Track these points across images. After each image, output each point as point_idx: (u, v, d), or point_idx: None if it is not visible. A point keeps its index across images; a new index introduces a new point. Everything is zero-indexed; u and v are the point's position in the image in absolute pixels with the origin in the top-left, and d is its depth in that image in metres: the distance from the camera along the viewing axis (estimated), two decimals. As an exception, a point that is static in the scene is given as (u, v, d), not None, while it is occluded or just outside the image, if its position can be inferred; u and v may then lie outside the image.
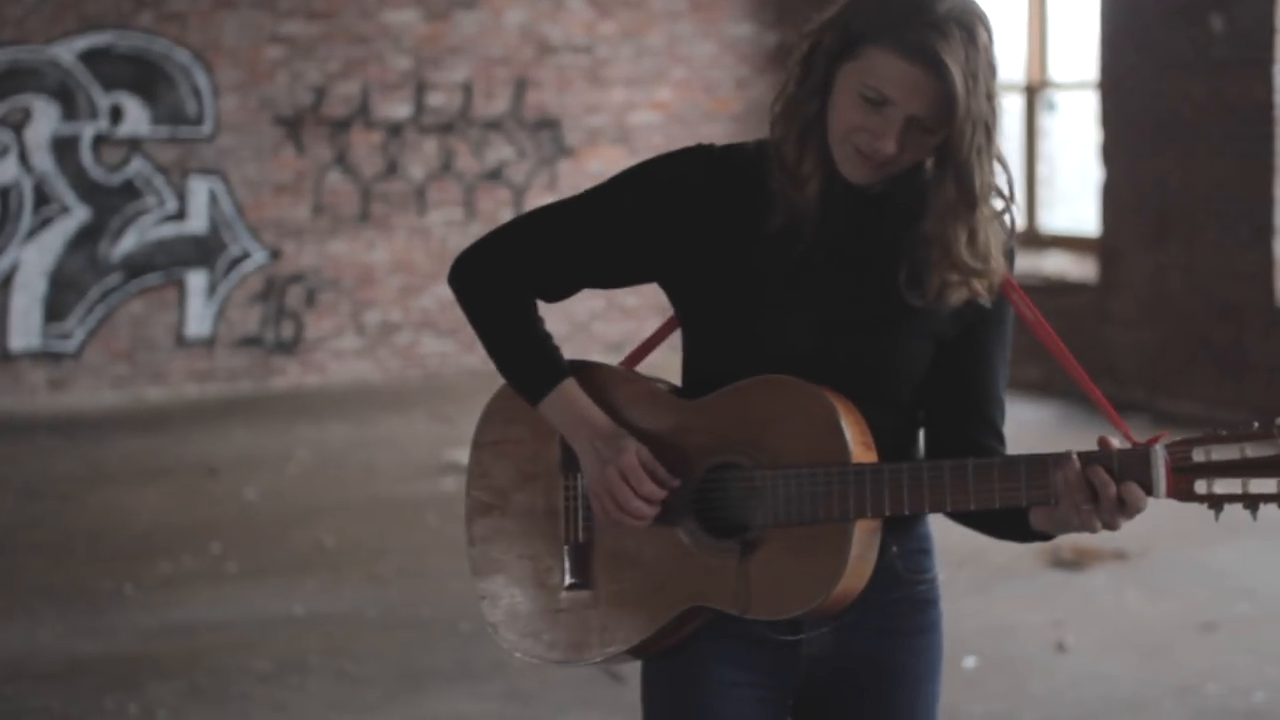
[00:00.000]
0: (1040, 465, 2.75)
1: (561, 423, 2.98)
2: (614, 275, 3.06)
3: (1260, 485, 2.64)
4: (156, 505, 9.57)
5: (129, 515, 9.34)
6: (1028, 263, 12.53)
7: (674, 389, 3.02)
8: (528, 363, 3.01)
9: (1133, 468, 2.70)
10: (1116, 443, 2.75)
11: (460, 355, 13.49)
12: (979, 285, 2.86)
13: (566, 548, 3.01)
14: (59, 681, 6.66)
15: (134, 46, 12.88)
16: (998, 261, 2.86)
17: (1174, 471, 2.67)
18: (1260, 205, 10.52)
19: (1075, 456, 2.72)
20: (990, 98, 2.77)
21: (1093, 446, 2.76)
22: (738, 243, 2.91)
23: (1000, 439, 2.99)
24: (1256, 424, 2.65)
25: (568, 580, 3.01)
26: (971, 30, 2.76)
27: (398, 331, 13.66)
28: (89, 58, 12.77)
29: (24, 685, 6.63)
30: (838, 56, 2.80)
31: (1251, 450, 2.63)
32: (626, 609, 2.96)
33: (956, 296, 2.86)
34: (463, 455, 10.11)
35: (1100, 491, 2.70)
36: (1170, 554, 7.95)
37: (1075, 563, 7.84)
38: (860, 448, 2.83)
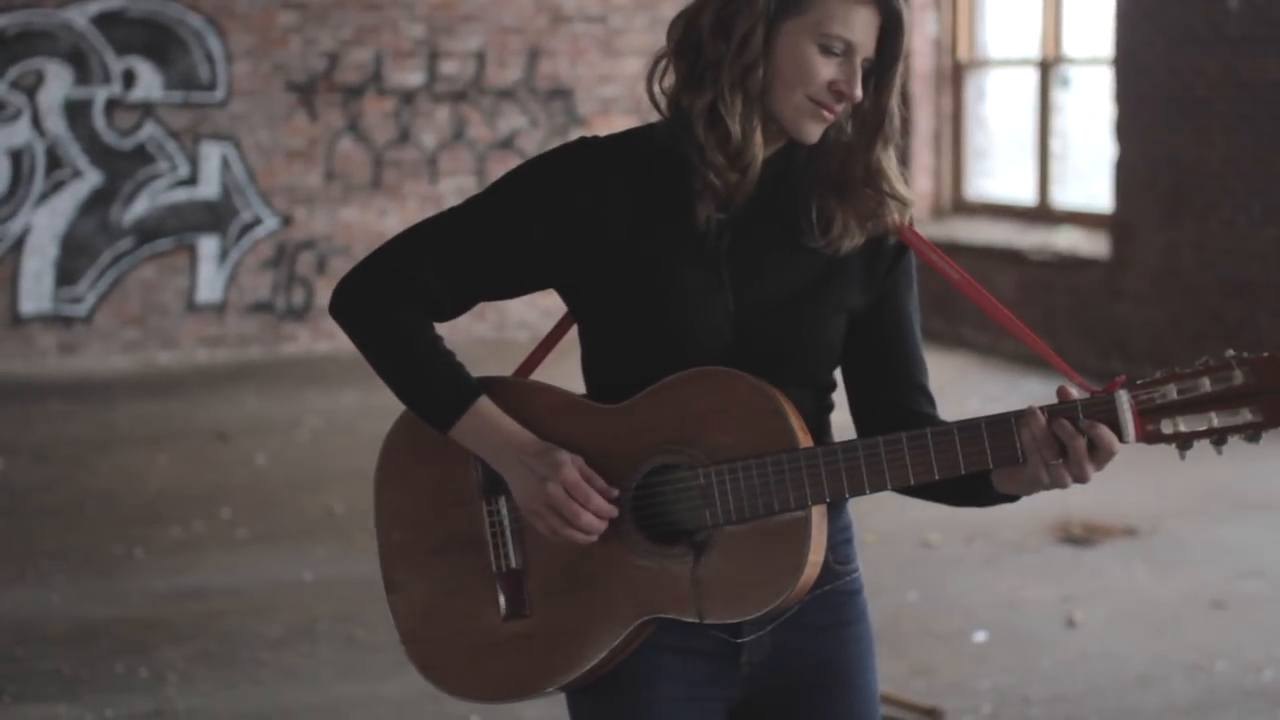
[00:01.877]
0: (1003, 425, 2.65)
1: (481, 445, 2.79)
2: (509, 285, 2.85)
3: (1225, 418, 2.59)
4: (167, 470, 9.59)
5: (139, 480, 9.36)
6: (1040, 238, 12.52)
7: (587, 396, 2.86)
8: (434, 387, 2.81)
9: (1099, 416, 2.62)
10: (1076, 393, 2.67)
11: (470, 323, 13.48)
12: (900, 217, 2.81)
13: (497, 577, 2.82)
14: (70, 644, 6.67)
15: (147, 10, 12.86)
16: (912, 189, 2.84)
17: (1140, 414, 2.61)
18: (1274, 183, 10.50)
19: (1039, 411, 2.64)
20: None
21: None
22: (644, 236, 2.77)
23: (931, 401, 2.90)
24: (1209, 359, 2.60)
25: (502, 611, 2.82)
26: None
27: (408, 299, 13.62)
28: (102, 21, 12.77)
29: (35, 648, 6.64)
30: (775, 17, 2.69)
31: (1211, 384, 2.59)
32: (572, 633, 2.78)
33: (857, 238, 2.78)
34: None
35: (1068, 444, 2.62)
36: (1180, 531, 7.95)
37: (1085, 539, 7.84)
38: (803, 433, 2.71)
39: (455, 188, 13.69)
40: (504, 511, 2.82)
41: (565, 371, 3.00)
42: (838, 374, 2.91)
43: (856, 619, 2.95)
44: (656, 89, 2.81)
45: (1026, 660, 6.40)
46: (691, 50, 2.76)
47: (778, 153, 2.79)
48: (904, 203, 2.80)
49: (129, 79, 12.88)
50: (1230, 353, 2.61)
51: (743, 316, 2.77)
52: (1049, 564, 7.56)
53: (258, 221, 13.31)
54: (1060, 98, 12.97)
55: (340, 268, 13.43)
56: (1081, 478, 2.64)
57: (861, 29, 2.69)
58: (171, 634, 6.79)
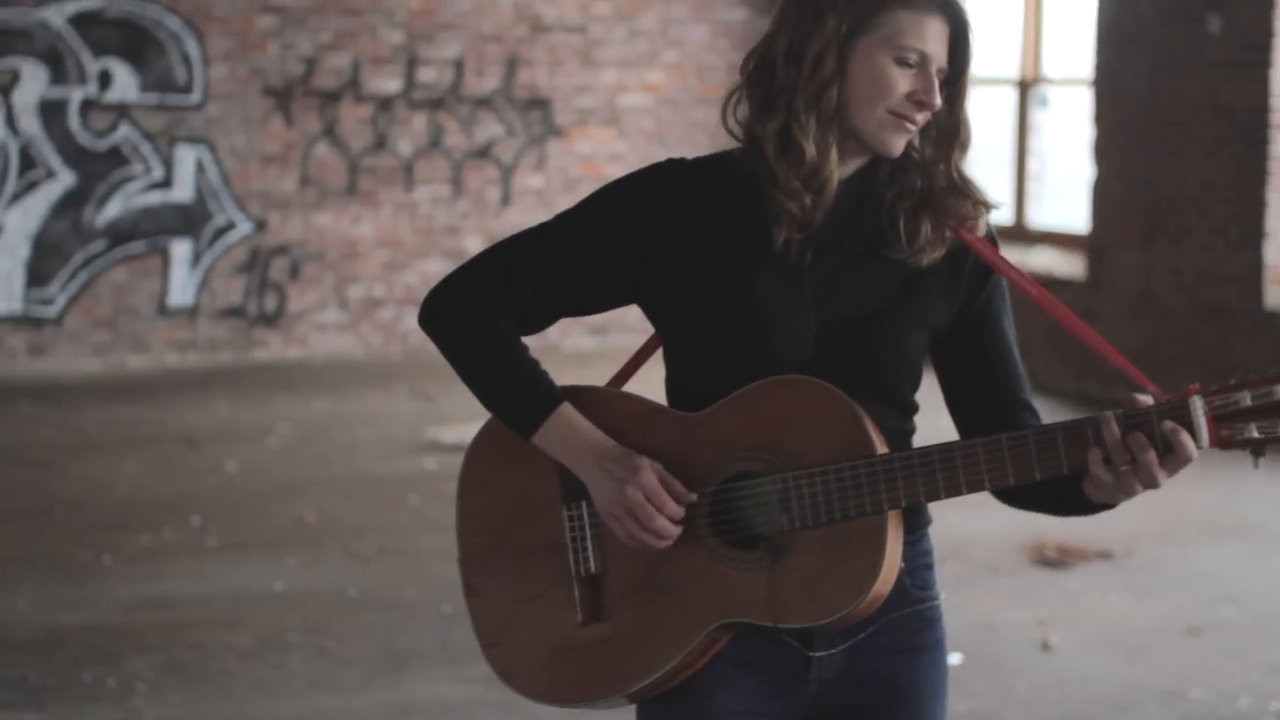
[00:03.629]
0: (1078, 430, 2.68)
1: (562, 450, 2.85)
2: (594, 298, 2.93)
3: None
4: (136, 475, 9.52)
5: (109, 485, 9.29)
6: (1016, 257, 12.50)
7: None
8: (518, 394, 2.87)
9: (1173, 421, 2.65)
10: (1149, 400, 2.69)
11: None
12: (983, 223, 2.87)
13: (576, 582, 2.87)
14: (38, 652, 6.60)
15: (125, 11, 12.80)
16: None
17: (1214, 419, 2.64)
18: (1251, 209, 10.50)
19: (1114, 416, 2.66)
20: None
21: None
22: (726, 251, 2.84)
23: (1036, 415, 2.93)
24: None
25: (580, 617, 2.87)
26: None
27: (381, 307, 13.60)
28: (79, 21, 12.70)
29: (2, 654, 6.57)
30: (847, 37, 2.77)
31: None
32: (650, 636, 2.82)
33: (939, 249, 2.84)
34: (445, 433, 10.09)
35: (1138, 454, 2.64)
36: (1154, 555, 7.94)
37: (1060, 561, 7.82)
38: (879, 440, 2.76)
39: (431, 195, 13.64)
40: (585, 516, 2.88)
41: (654, 389, 3.03)
42: (920, 398, 2.95)
43: (931, 647, 2.97)
44: (731, 121, 2.89)
45: (1002, 684, 6.37)
46: (765, 79, 2.84)
47: (858, 172, 2.86)
48: (988, 206, 2.87)
49: (105, 80, 12.81)
50: None
51: (824, 330, 2.82)
52: (1024, 586, 7.54)
53: (231, 226, 13.23)
54: (1039, 118, 12.96)
55: (313, 274, 13.38)
56: (1152, 484, 2.67)
57: (933, 39, 2.79)
58: (140, 643, 6.72)
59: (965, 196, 2.85)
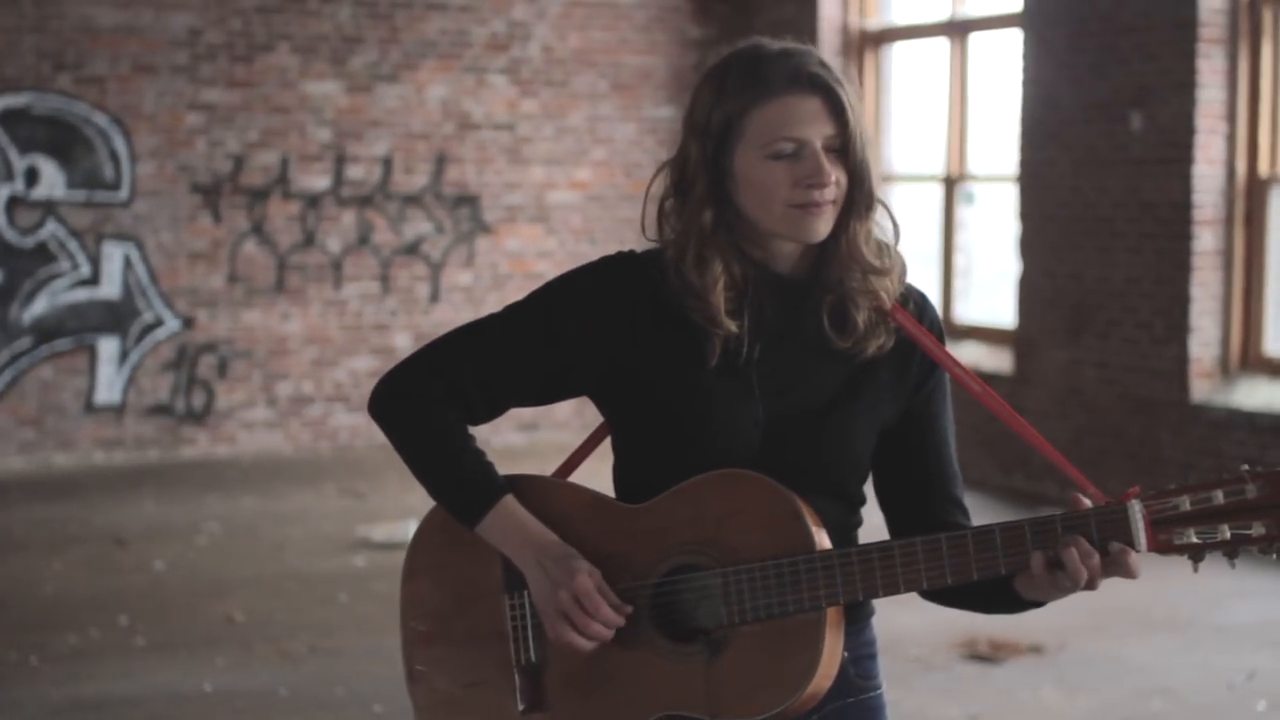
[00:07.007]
0: (1018, 532, 2.70)
1: (504, 542, 2.86)
2: (544, 392, 2.95)
3: (1237, 531, 2.64)
4: (63, 575, 9.42)
5: (35, 585, 9.18)
6: (943, 352, 12.55)
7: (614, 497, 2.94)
8: (462, 485, 2.89)
9: (1112, 525, 2.68)
10: (1089, 502, 2.72)
11: (371, 429, 13.37)
12: (885, 286, 2.85)
13: (517, 670, 2.89)
14: (-37, 755, 6.53)
15: (52, 108, 12.77)
16: (896, 258, 2.89)
17: (1152, 524, 2.67)
18: (1176, 303, 10.61)
19: (1056, 520, 2.69)
20: None
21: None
22: (674, 345, 2.85)
23: (965, 513, 2.96)
24: (1224, 472, 2.67)
25: (521, 705, 2.88)
26: (811, 50, 2.82)
27: (309, 404, 13.55)
28: (6, 119, 12.65)
29: (-74, 758, 6.49)
30: (720, 150, 2.79)
31: (1224, 497, 2.64)
32: None
33: (880, 337, 2.85)
34: (375, 531, 10.03)
35: (1075, 562, 2.66)
36: (1086, 649, 7.95)
37: (992, 656, 7.83)
38: (820, 537, 2.76)
39: (359, 292, 13.63)
40: (526, 606, 2.88)
41: (600, 478, 3.03)
42: (867, 489, 2.97)
43: None
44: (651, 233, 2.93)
45: (936, 780, 6.36)
46: (661, 207, 2.90)
47: (807, 268, 2.87)
48: (882, 274, 2.85)
49: (31, 176, 12.76)
50: (1245, 466, 2.67)
51: (771, 425, 2.83)
52: (956, 682, 7.54)
53: (159, 323, 13.18)
54: (964, 214, 13.06)
55: (241, 371, 13.33)
56: (1090, 586, 2.70)
57: (803, 122, 2.76)
58: (68, 745, 6.65)
59: (860, 265, 2.83)
